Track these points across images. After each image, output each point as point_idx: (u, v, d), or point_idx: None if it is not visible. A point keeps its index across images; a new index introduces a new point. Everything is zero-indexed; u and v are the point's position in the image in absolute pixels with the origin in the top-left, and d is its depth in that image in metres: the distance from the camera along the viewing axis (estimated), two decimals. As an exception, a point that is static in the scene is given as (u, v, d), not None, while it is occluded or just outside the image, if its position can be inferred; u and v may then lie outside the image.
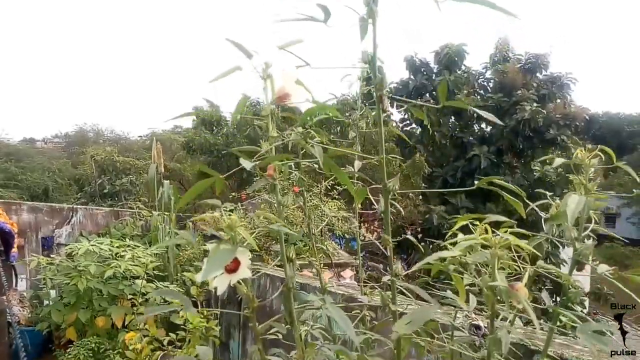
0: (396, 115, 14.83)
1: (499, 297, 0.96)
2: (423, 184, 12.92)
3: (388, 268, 1.27)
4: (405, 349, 1.29)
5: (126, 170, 15.04)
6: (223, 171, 1.13)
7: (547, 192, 1.31)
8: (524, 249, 0.97)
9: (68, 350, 3.68)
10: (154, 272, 4.34)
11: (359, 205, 1.77)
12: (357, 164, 1.59)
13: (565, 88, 13.79)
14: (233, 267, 1.04)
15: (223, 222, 1.11)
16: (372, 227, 12.86)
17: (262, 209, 5.20)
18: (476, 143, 13.72)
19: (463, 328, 1.84)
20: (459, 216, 1.19)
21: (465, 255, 1.10)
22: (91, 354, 3.67)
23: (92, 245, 4.05)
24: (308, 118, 1.09)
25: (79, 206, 7.22)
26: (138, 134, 26.01)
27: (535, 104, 12.93)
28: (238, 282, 1.12)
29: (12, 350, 3.78)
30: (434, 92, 13.81)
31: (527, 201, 1.22)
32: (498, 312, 1.00)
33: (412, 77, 13.82)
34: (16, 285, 4.12)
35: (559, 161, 1.05)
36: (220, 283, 1.03)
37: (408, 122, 14.46)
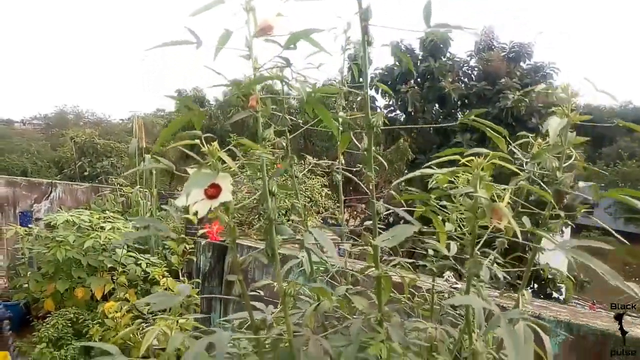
0: (381, 101, 14.87)
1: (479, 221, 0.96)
2: (406, 170, 13.00)
3: (368, 207, 1.27)
4: (387, 290, 1.30)
5: (107, 153, 14.85)
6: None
7: (529, 135, 1.32)
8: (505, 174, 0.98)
9: (46, 320, 3.63)
10: (135, 245, 4.30)
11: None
12: (342, 114, 1.58)
13: (548, 77, 13.92)
14: (214, 193, 1.02)
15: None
16: (355, 213, 12.93)
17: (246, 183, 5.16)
18: (459, 130, 13.80)
19: (444, 291, 1.86)
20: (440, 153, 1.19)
21: (449, 183, 1.11)
22: (70, 324, 3.63)
23: (71, 215, 3.99)
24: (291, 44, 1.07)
25: (58, 181, 7.09)
26: (120, 117, 25.63)
27: (517, 93, 13.05)
28: (219, 210, 1.11)
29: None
30: (418, 79, 13.87)
31: (509, 140, 1.23)
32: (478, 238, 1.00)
33: (397, 63, 13.82)
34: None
35: (541, 86, 1.05)
36: (201, 208, 1.02)
37: (392, 108, 14.49)
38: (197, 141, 1.09)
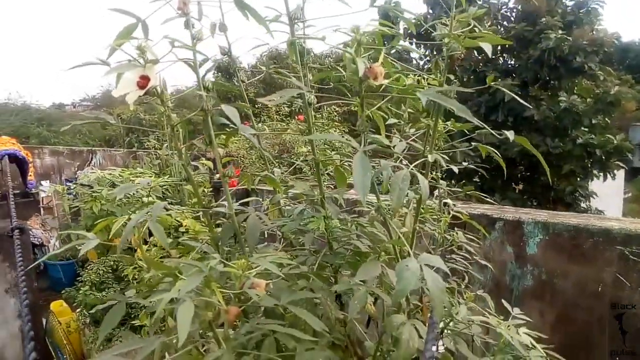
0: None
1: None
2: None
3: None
4: (340, 177, 1.39)
5: (153, 128, 15.40)
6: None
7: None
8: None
9: (89, 267, 3.97)
10: (166, 198, 4.58)
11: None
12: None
13: (593, 13, 13.16)
14: (144, 84, 1.15)
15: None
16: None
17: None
18: (500, 76, 13.33)
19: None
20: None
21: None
22: (110, 270, 3.96)
23: (102, 172, 4.29)
24: None
25: (97, 148, 7.53)
26: (165, 93, 26.28)
27: (560, 32, 12.42)
28: (156, 103, 1.25)
29: (40, 271, 4.10)
30: (453, 26, 13.42)
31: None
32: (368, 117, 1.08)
33: (429, 10, 13.43)
34: (38, 212, 4.41)
35: None
36: (132, 97, 1.15)
37: (429, 59, 14.14)
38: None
